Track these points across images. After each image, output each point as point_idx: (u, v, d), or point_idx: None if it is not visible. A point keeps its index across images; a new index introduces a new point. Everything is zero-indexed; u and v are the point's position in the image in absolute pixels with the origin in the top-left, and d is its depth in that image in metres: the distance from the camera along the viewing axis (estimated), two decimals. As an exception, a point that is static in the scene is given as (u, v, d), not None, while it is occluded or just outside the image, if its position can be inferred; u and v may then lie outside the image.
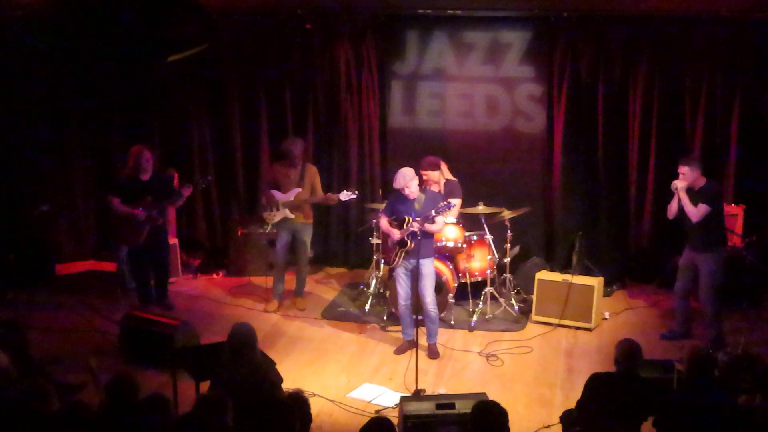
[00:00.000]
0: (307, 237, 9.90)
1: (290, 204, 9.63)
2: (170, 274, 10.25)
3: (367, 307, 9.90)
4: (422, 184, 9.07)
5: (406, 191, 8.37)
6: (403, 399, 6.95)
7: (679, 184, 8.58)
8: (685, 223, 8.72)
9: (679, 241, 10.51)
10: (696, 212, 8.49)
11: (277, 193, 9.66)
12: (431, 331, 8.72)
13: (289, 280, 10.14)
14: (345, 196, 9.62)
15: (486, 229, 9.60)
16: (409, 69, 10.96)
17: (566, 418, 6.39)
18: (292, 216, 9.66)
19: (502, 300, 9.76)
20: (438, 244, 9.13)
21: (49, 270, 11.07)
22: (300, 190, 9.65)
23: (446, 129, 11.01)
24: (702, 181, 8.60)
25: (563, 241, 10.84)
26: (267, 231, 10.15)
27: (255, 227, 10.88)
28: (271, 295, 10.08)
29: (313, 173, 9.80)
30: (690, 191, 8.57)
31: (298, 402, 5.59)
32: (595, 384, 6.18)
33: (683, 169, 8.60)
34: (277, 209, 9.68)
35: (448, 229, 9.36)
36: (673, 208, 8.77)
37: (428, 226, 8.31)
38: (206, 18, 9.19)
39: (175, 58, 6.29)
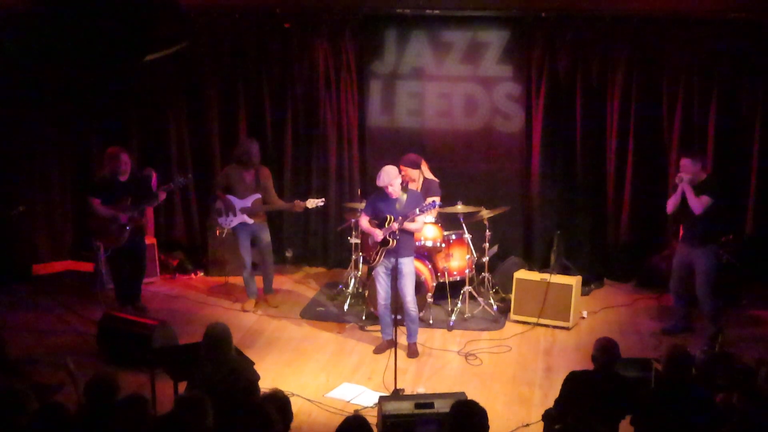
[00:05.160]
0: (267, 235, 9.87)
1: (248, 210, 9.60)
2: (146, 275, 10.18)
3: (345, 307, 9.89)
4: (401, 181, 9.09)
5: (389, 189, 8.35)
6: (382, 398, 6.96)
7: (685, 177, 8.59)
8: (684, 218, 8.75)
9: (657, 241, 10.63)
10: (699, 204, 8.48)
11: (234, 199, 9.61)
12: (411, 331, 8.72)
13: (259, 280, 10.15)
14: (312, 203, 9.56)
15: (465, 228, 9.60)
16: (388, 68, 10.95)
17: (548, 416, 6.41)
18: (251, 221, 9.64)
19: (480, 299, 9.78)
20: (417, 243, 9.13)
21: (26, 270, 11.00)
22: (259, 196, 9.60)
23: (425, 128, 11.02)
24: (703, 175, 8.64)
25: (541, 240, 10.87)
26: (223, 235, 10.07)
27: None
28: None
29: (266, 176, 9.73)
30: (693, 185, 8.58)
31: (279, 401, 5.57)
32: (574, 382, 6.20)
33: (684, 162, 8.63)
34: (234, 215, 9.62)
35: (426, 229, 9.36)
36: (671, 203, 8.81)
37: (409, 225, 8.31)
38: (184, 17, 9.15)
39: (153, 57, 6.26)
